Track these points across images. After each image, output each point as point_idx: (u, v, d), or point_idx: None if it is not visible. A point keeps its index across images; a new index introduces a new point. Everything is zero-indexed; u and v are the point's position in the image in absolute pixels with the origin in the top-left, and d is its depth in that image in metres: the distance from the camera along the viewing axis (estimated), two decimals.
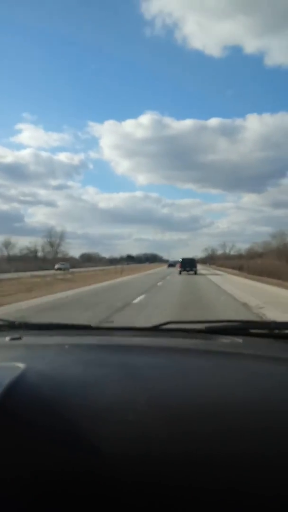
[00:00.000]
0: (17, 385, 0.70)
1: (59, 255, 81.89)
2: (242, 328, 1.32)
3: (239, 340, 1.17)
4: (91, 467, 0.52)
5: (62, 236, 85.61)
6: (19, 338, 1.17)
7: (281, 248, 46.10)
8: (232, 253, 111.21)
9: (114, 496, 0.49)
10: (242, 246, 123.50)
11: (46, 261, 70.64)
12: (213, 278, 29.38)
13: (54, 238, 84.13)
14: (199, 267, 51.54)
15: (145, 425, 0.59)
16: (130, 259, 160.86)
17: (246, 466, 0.51)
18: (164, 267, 71.86)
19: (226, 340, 1.19)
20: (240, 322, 1.46)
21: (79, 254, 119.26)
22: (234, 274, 37.10)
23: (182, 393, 0.72)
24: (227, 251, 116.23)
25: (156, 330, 1.40)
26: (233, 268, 49.47)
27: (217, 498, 0.48)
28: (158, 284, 21.23)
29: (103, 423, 0.60)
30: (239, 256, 78.63)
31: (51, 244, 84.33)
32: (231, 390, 0.74)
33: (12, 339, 1.16)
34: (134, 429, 0.58)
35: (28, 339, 1.20)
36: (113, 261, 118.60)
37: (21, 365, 0.79)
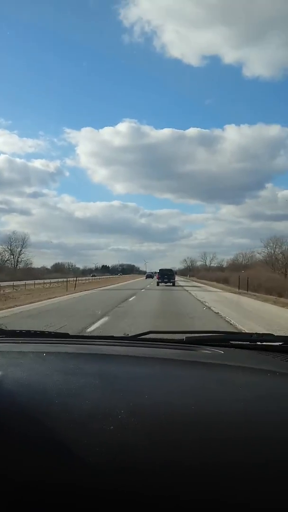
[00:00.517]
0: None
1: (21, 265, 72.59)
2: (223, 340, 1.33)
3: (220, 351, 1.15)
4: (72, 476, 0.51)
5: (24, 242, 74.30)
6: None
7: (276, 257, 39.25)
8: (213, 264, 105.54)
9: (94, 506, 0.48)
10: (220, 258, 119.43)
11: (4, 270, 61.58)
12: (200, 294, 22.88)
13: (14, 245, 74.43)
14: (178, 279, 50.87)
15: (126, 434, 0.59)
16: (105, 270, 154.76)
17: (227, 475, 0.51)
18: (139, 279, 67.76)
19: (207, 351, 1.17)
20: (221, 333, 1.56)
21: (51, 264, 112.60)
22: (222, 288, 30.43)
23: (163, 403, 0.71)
24: (207, 262, 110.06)
25: (136, 339, 1.38)
26: (217, 281, 42.48)
27: (198, 507, 0.48)
28: (116, 308, 12.98)
29: (84, 432, 0.59)
30: (221, 268, 72.65)
31: (12, 252, 74.83)
32: (212, 400, 0.73)
33: None
34: (115, 438, 0.58)
35: (3, 346, 1.17)
36: (86, 272, 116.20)
37: None
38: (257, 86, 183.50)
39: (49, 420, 0.61)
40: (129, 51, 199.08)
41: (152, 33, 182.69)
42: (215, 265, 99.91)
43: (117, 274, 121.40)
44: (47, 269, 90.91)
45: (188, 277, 72.49)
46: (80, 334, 1.88)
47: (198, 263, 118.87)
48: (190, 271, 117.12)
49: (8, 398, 0.68)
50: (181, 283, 37.26)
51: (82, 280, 49.88)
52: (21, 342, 1.27)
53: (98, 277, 72.77)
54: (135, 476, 0.51)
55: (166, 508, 0.48)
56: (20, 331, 1.43)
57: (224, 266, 77.20)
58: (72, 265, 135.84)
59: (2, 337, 1.34)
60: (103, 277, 66.40)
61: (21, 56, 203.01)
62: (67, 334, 1.48)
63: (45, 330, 1.48)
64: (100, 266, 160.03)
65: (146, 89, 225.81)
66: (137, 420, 0.62)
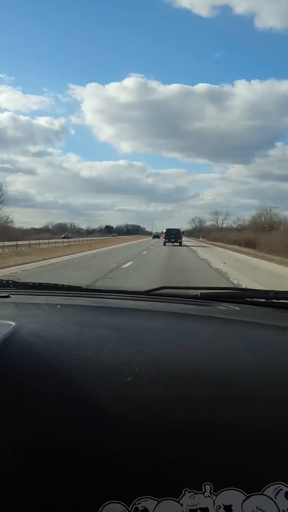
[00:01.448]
0: (9, 342, 0.68)
1: None
2: (239, 296, 1.30)
3: (236, 307, 1.13)
4: (90, 428, 0.51)
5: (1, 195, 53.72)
6: (8, 297, 1.12)
7: None
8: (225, 224, 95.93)
9: (111, 459, 0.47)
10: (234, 217, 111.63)
11: None
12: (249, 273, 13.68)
13: None
14: (187, 240, 45.01)
15: (144, 386, 0.57)
16: (109, 230, 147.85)
17: (245, 435, 0.50)
18: (143, 239, 60.86)
19: (222, 307, 1.15)
20: (237, 289, 1.57)
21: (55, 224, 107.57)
22: (259, 256, 21.52)
23: (181, 356, 0.70)
24: (219, 222, 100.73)
25: (149, 294, 1.35)
26: (237, 243, 34.13)
27: (215, 467, 0.47)
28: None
29: (101, 384, 0.58)
30: (238, 229, 64.14)
31: None
32: (231, 355, 0.72)
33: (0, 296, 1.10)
34: (133, 390, 0.57)
35: (17, 297, 1.16)
36: (90, 232, 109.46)
37: (12, 323, 0.76)
38: (269, 39, 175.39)
39: (65, 371, 0.61)
40: (135, 1, 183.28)
41: None
42: (227, 225, 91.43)
43: (111, 235, 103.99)
44: (34, 229, 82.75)
45: (200, 239, 60.86)
46: (93, 288, 1.53)
47: (208, 223, 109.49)
48: (199, 232, 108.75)
49: (24, 349, 0.67)
50: (194, 248, 29.31)
51: (57, 243, 39.46)
52: (34, 294, 1.27)
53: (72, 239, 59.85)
54: (152, 430, 0.50)
55: (182, 464, 0.47)
56: (33, 283, 1.41)
57: (240, 226, 69.50)
58: (74, 225, 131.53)
59: (15, 289, 1.31)
60: (87, 239, 55.09)
61: (23, 8, 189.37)
62: (80, 287, 1.47)
63: (58, 283, 1.44)
64: (104, 226, 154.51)
65: (154, 41, 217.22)
66: (155, 372, 0.61)
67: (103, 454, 0.48)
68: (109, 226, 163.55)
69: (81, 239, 55.76)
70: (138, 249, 26.82)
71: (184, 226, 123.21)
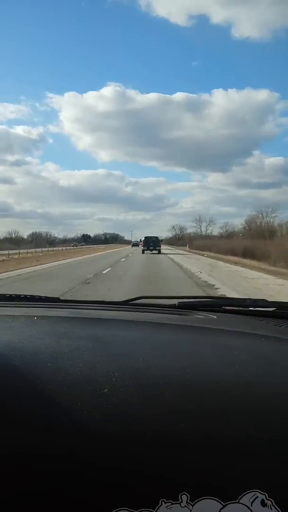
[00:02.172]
0: None
1: None
2: (216, 305, 1.32)
3: (213, 316, 1.14)
4: (65, 441, 0.50)
5: None
6: None
7: None
8: (210, 231, 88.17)
9: (87, 471, 0.47)
10: (219, 223, 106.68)
11: None
12: None
13: None
14: (167, 250, 40.63)
15: (120, 397, 0.57)
16: (86, 239, 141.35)
17: (220, 445, 0.50)
18: (118, 248, 56.15)
19: (200, 316, 1.15)
20: (214, 298, 1.60)
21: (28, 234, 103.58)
22: None
23: (157, 366, 0.69)
24: (202, 229, 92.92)
25: (127, 304, 1.37)
26: (233, 253, 26.78)
27: (191, 477, 0.46)
28: None
29: (77, 396, 0.57)
30: (224, 236, 57.22)
31: None
32: (207, 364, 0.72)
33: None
34: (109, 401, 0.56)
35: None
36: (67, 242, 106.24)
37: None
38: (246, 48, 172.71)
39: (41, 384, 0.60)
40: (113, 9, 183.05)
41: None
42: (211, 232, 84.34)
43: (79, 245, 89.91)
44: (7, 238, 76.40)
45: (186, 248, 50.50)
46: (71, 299, 1.57)
47: (189, 230, 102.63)
48: (180, 239, 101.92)
49: (0, 362, 0.67)
50: (178, 260, 21.69)
51: (28, 252, 34.46)
52: (11, 306, 1.26)
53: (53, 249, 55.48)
54: (129, 440, 0.50)
55: (160, 477, 0.46)
56: (10, 295, 1.40)
57: (227, 232, 62.92)
58: (50, 235, 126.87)
59: None
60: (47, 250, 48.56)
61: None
62: (58, 298, 1.49)
63: (35, 295, 1.43)
64: (81, 235, 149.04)
65: (132, 50, 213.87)
66: (131, 383, 0.61)
67: (78, 467, 0.47)
68: (86, 235, 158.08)
69: (37, 249, 47.79)
70: (103, 263, 19.27)
71: (164, 234, 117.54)
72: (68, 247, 66.26)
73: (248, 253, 23.87)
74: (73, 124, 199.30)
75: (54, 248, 56.47)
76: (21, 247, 55.03)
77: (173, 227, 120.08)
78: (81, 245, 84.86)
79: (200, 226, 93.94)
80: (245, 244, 27.97)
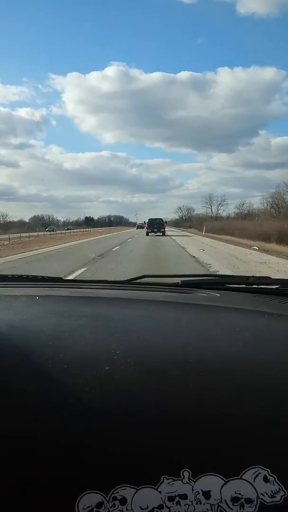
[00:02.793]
0: None
1: None
2: (219, 283, 1.30)
3: (216, 294, 1.13)
4: (66, 420, 0.50)
5: None
6: None
7: None
8: (223, 212, 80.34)
9: (88, 449, 0.47)
10: (233, 203, 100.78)
11: None
12: None
13: None
14: (175, 233, 37.41)
15: (122, 375, 0.57)
16: (88, 222, 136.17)
17: (223, 421, 0.50)
18: (121, 231, 51.27)
19: (202, 294, 1.15)
20: (217, 276, 1.55)
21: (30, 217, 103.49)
22: None
23: (159, 343, 0.69)
24: (213, 209, 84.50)
25: (130, 283, 1.36)
26: (264, 239, 20.16)
27: (193, 453, 0.46)
28: None
29: (79, 373, 0.57)
30: (238, 218, 50.63)
31: None
32: (210, 341, 0.72)
33: None
34: (110, 379, 0.56)
35: None
36: (66, 225, 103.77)
37: None
38: (251, 24, 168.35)
39: (42, 362, 0.59)
40: None
41: None
42: (224, 214, 76.77)
43: (47, 229, 66.11)
44: (11, 222, 71.95)
45: (203, 232, 39.61)
46: (74, 279, 1.20)
47: (198, 212, 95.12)
48: (187, 221, 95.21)
49: (1, 341, 0.67)
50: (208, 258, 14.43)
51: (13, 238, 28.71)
52: (13, 287, 1.25)
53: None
54: (130, 418, 0.50)
55: (160, 451, 0.46)
56: (12, 275, 1.39)
57: (246, 212, 56.46)
58: (52, 218, 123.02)
59: None
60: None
61: None
62: (60, 278, 1.49)
63: (38, 275, 1.42)
64: (84, 218, 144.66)
65: (134, 28, 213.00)
66: (133, 360, 0.60)
67: (80, 445, 0.47)
68: (89, 217, 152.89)
69: (31, 234, 41.92)
70: (81, 257, 13.28)
71: (170, 215, 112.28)
72: (62, 231, 60.20)
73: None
74: (76, 105, 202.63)
75: (46, 233, 50.41)
76: (11, 231, 50.14)
77: (180, 208, 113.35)
78: (67, 228, 76.68)
79: (211, 206, 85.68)
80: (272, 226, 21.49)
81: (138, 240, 25.56)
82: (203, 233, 37.02)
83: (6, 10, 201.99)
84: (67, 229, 69.24)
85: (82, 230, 68.31)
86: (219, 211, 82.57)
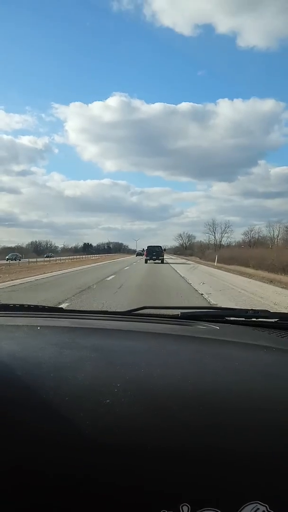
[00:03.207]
0: None
1: None
2: (218, 315, 1.31)
3: (215, 326, 1.14)
4: (66, 451, 0.50)
5: None
6: None
7: None
8: (228, 239, 74.70)
9: (88, 482, 0.46)
10: (239, 229, 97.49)
11: None
12: None
13: None
14: (176, 264, 32.45)
15: (122, 408, 0.57)
16: (86, 249, 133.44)
17: (221, 457, 0.50)
18: (117, 260, 46.94)
19: (202, 326, 1.16)
20: (217, 309, 1.62)
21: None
22: None
23: (159, 376, 0.69)
24: (216, 236, 78.35)
25: (130, 314, 1.37)
26: None
27: (192, 489, 0.46)
28: None
29: (79, 406, 0.57)
30: (249, 244, 46.64)
31: None
32: (209, 374, 0.72)
33: None
34: (111, 412, 0.56)
35: None
36: (66, 251, 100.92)
37: None
38: (251, 57, 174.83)
39: (44, 393, 0.59)
40: (118, 20, 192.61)
41: (142, 0, 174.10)
42: (229, 241, 71.45)
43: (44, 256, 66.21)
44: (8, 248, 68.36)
45: (215, 263, 31.92)
46: (74, 309, 1.54)
47: (199, 239, 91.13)
48: (187, 249, 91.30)
49: (3, 371, 0.67)
50: None
51: None
52: (14, 316, 1.26)
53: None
54: (130, 452, 0.50)
55: (159, 486, 0.46)
56: (14, 305, 1.41)
57: (253, 239, 52.57)
58: (50, 244, 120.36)
59: None
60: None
61: (5, 26, 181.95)
62: (61, 308, 1.54)
63: (39, 305, 1.46)
64: (82, 244, 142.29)
65: (137, 60, 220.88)
66: (133, 393, 0.60)
67: (79, 477, 0.47)
68: (87, 244, 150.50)
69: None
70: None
71: (169, 243, 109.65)
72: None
73: None
74: (78, 134, 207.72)
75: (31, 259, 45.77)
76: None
77: (180, 235, 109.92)
78: (46, 256, 65.77)
79: (214, 233, 78.96)
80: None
81: (138, 265, 21.10)
82: (215, 264, 31.80)
83: (10, 39, 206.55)
84: (46, 257, 61.43)
85: (72, 257, 62.26)
86: (223, 239, 77.95)
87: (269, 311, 1.34)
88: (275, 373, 0.74)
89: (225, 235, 77.58)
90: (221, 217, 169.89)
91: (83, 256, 72.73)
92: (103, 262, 38.89)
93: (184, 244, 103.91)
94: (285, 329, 1.13)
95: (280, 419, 0.57)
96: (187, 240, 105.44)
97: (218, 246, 66.97)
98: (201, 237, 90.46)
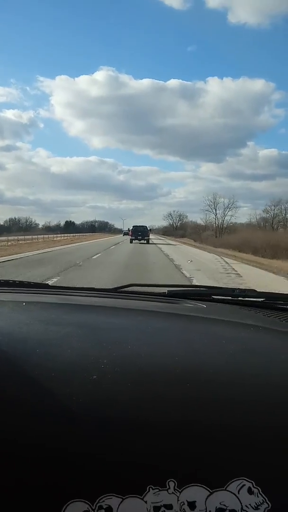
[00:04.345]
0: None
1: None
2: (205, 294, 1.32)
3: (202, 305, 1.14)
4: (52, 428, 0.50)
5: None
6: None
7: None
8: (232, 219, 57.66)
9: (74, 458, 0.46)
10: (197, 217, 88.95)
11: None
12: None
13: None
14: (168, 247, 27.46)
15: (109, 384, 0.57)
16: (68, 227, 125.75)
17: (208, 433, 0.50)
18: (96, 240, 41.43)
19: (189, 304, 1.16)
20: (204, 287, 1.56)
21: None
22: None
23: (146, 353, 0.70)
24: (219, 214, 59.89)
25: (117, 291, 1.37)
26: None
27: (178, 464, 0.46)
28: None
29: (66, 382, 0.57)
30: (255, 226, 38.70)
31: None
32: (196, 352, 0.72)
33: None
34: (98, 388, 0.56)
35: None
36: (48, 230, 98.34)
37: None
38: (242, 34, 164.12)
39: (29, 370, 0.59)
40: None
41: None
42: (236, 222, 56.52)
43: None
44: None
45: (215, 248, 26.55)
46: (60, 285, 1.50)
47: (193, 219, 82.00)
48: (178, 229, 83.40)
49: None
50: None
51: None
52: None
53: None
54: (116, 427, 0.50)
55: (146, 461, 0.46)
56: None
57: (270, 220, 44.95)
58: (30, 221, 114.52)
59: None
60: None
61: None
62: (47, 284, 1.49)
63: (24, 280, 1.42)
64: (63, 223, 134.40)
65: (125, 34, 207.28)
66: (120, 370, 0.61)
67: (66, 453, 0.47)
68: (69, 221, 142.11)
69: None
70: None
71: (158, 223, 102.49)
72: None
73: None
74: (64, 109, 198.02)
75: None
76: None
77: (170, 214, 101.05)
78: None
79: (215, 210, 58.99)
80: None
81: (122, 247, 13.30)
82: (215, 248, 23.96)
83: None
84: None
85: (43, 236, 52.31)
86: (226, 217, 58.38)
87: (256, 291, 1.33)
88: (261, 351, 0.76)
89: (229, 213, 58.12)
90: (209, 199, 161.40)
91: (59, 235, 63.82)
92: (76, 244, 30.83)
93: (175, 224, 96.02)
94: (271, 309, 1.14)
95: (266, 395, 0.57)
96: (177, 220, 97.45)
97: (220, 228, 53.59)
98: (193, 217, 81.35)
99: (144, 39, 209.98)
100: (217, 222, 57.03)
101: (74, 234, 76.25)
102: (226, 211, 57.69)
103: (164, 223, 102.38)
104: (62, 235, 63.57)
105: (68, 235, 70.62)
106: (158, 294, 1.28)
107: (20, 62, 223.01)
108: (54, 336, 0.72)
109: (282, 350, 0.78)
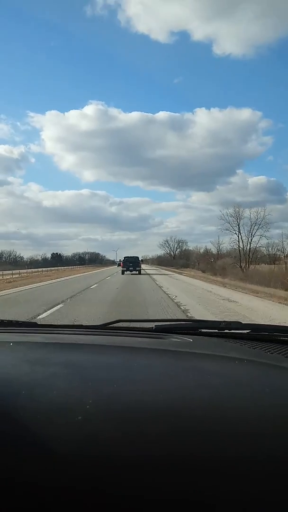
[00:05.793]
0: None
1: None
2: (192, 328, 1.36)
3: (189, 339, 1.17)
4: (37, 470, 0.49)
5: None
6: None
7: None
8: (260, 242, 40.19)
9: (58, 499, 0.46)
10: (190, 246, 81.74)
11: None
12: None
13: None
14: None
15: (94, 425, 0.57)
16: (57, 259, 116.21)
17: (193, 468, 0.50)
18: (75, 276, 33.68)
19: (176, 339, 1.18)
20: (190, 321, 1.70)
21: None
22: None
23: (131, 391, 0.70)
24: (242, 239, 42.04)
25: (105, 328, 1.39)
26: None
27: (165, 503, 0.45)
28: None
29: (51, 423, 0.57)
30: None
31: None
32: (180, 388, 0.73)
33: None
34: (83, 429, 0.56)
35: None
36: (34, 264, 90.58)
37: None
38: (228, 64, 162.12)
39: (15, 411, 0.59)
40: (92, 25, 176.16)
41: (116, 5, 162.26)
42: (260, 245, 39.82)
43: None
44: None
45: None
46: (49, 324, 1.60)
47: (194, 244, 72.10)
48: (177, 258, 73.51)
49: None
50: None
51: None
52: None
53: None
54: (102, 469, 0.50)
55: (133, 503, 0.46)
56: None
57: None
58: (15, 254, 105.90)
59: None
60: None
61: None
62: (35, 323, 1.50)
63: (13, 320, 1.45)
64: (49, 255, 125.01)
65: (113, 68, 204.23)
66: (105, 409, 0.62)
67: (50, 494, 0.46)
68: (56, 254, 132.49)
69: None
70: None
71: (152, 253, 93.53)
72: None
73: None
74: (55, 143, 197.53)
75: None
76: None
77: (167, 241, 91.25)
78: None
79: (239, 233, 40.98)
80: None
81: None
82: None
83: None
84: None
85: (18, 272, 40.95)
86: (254, 238, 40.26)
87: (241, 323, 1.33)
88: (245, 384, 0.76)
89: (256, 232, 39.71)
90: (200, 227, 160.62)
91: (40, 269, 53.10)
92: (49, 282, 20.69)
93: (173, 252, 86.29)
94: (256, 340, 1.15)
95: (250, 427, 0.58)
96: (175, 247, 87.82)
97: (247, 253, 38.43)
98: (191, 243, 71.81)
99: (132, 73, 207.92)
100: (242, 246, 39.40)
101: (57, 268, 65.74)
102: (254, 230, 39.12)
103: (159, 251, 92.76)
104: (42, 269, 53.06)
105: (51, 268, 60.20)
106: (146, 329, 1.30)
107: (10, 98, 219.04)
108: (39, 376, 0.72)
109: (266, 382, 0.78)
